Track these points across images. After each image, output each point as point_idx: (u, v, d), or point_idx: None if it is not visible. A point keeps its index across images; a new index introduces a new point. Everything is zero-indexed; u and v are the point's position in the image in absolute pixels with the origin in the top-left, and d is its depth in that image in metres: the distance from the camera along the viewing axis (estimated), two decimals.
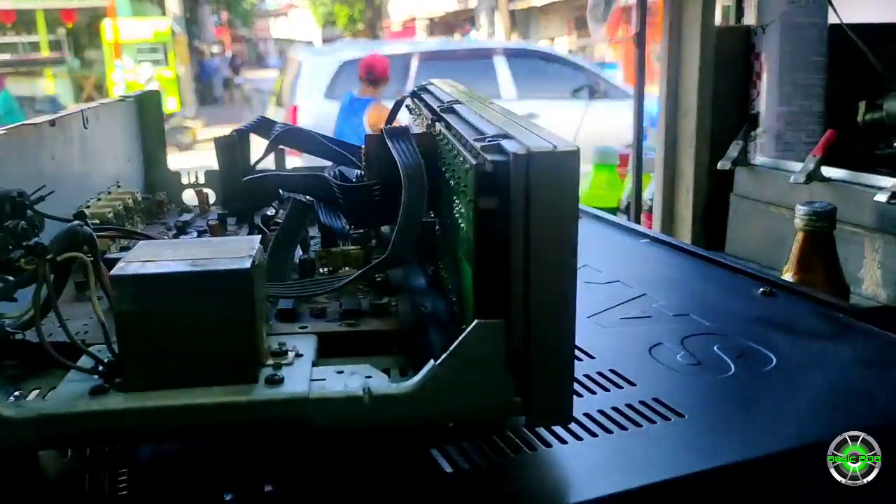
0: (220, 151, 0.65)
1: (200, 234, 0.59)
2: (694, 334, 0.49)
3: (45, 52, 12.52)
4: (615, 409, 0.40)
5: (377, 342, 0.44)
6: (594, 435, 0.38)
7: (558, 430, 0.38)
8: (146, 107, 0.72)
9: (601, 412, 0.40)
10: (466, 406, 0.36)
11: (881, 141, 1.00)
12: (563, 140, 0.34)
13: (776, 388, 0.43)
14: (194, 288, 0.34)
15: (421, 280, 0.51)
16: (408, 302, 0.47)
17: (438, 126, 0.50)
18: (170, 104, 10.43)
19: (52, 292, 0.37)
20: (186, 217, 0.66)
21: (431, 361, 0.36)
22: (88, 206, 0.56)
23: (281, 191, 0.58)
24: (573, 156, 0.33)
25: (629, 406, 0.41)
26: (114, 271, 0.34)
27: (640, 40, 1.14)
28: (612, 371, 0.45)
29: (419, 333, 0.45)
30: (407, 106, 0.72)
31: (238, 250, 0.37)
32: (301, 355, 0.39)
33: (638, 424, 0.39)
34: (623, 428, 0.39)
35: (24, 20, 12.41)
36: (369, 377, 0.37)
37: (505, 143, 0.35)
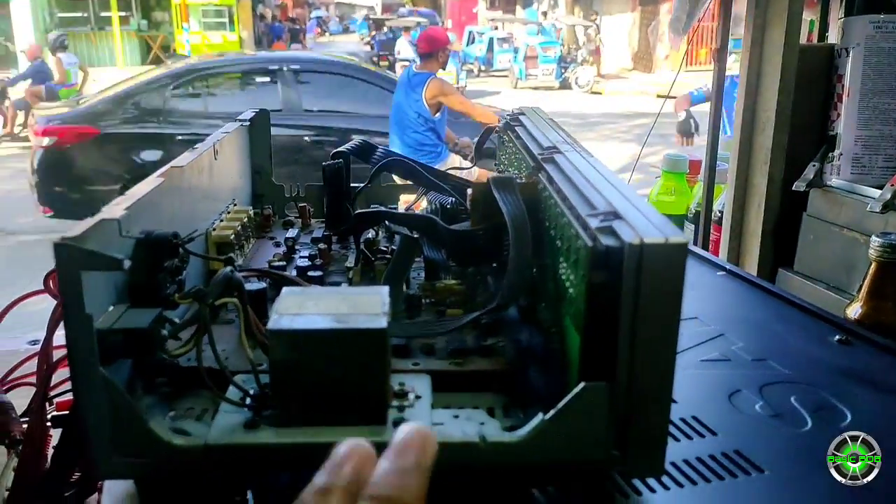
0: (328, 178, 0.70)
1: (311, 258, 0.64)
2: (772, 382, 0.53)
3: (114, 12, 12.81)
4: (699, 459, 0.44)
5: (482, 380, 0.49)
6: (680, 486, 0.42)
7: (650, 479, 0.43)
8: (257, 124, 0.77)
9: (686, 462, 0.44)
10: (569, 457, 0.41)
11: None
12: (674, 228, 0.38)
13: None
14: (338, 342, 0.39)
15: (520, 318, 0.55)
16: (510, 341, 0.52)
17: (541, 176, 0.54)
18: None
19: (211, 334, 0.42)
20: (292, 233, 0.71)
21: (540, 415, 0.40)
22: (214, 229, 0.62)
23: (386, 221, 0.63)
24: (682, 248, 0.37)
25: (712, 457, 0.45)
26: (270, 325, 0.39)
27: (720, 55, 1.15)
28: (695, 418, 0.49)
29: (521, 374, 0.49)
30: (498, 134, 0.76)
31: (372, 306, 0.42)
32: (419, 397, 0.44)
33: (721, 477, 0.43)
34: (707, 480, 0.43)
35: None
36: (483, 423, 0.42)
37: (618, 227, 0.39)
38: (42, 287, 0.63)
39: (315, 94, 4.27)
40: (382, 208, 0.62)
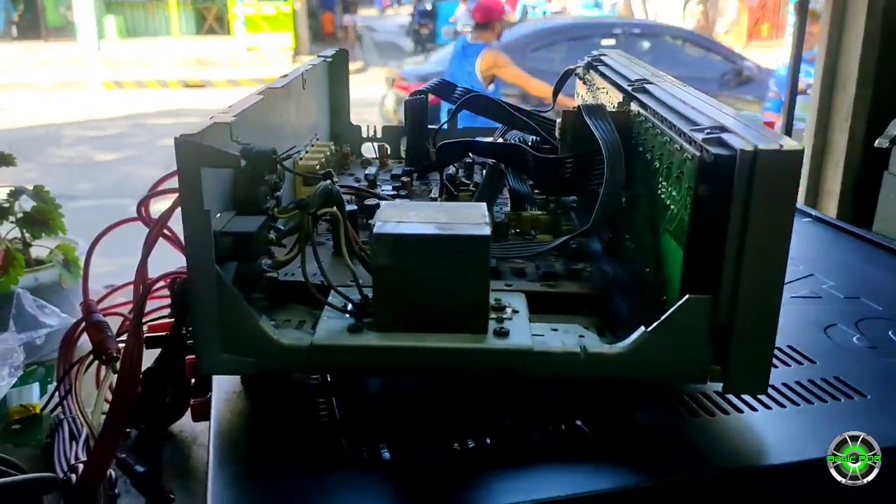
0: (410, 112, 0.70)
1: (395, 188, 0.65)
2: (867, 318, 0.52)
3: None
4: (798, 383, 0.44)
5: (571, 303, 0.49)
6: (782, 406, 0.42)
7: (747, 398, 0.42)
8: (336, 64, 0.78)
9: (786, 385, 0.44)
10: (669, 370, 0.40)
11: None
12: (785, 137, 0.37)
13: None
14: (442, 248, 0.40)
15: (605, 247, 0.55)
16: (596, 267, 0.52)
17: (633, 105, 0.53)
18: (286, 40, 10.68)
19: (314, 241, 0.43)
20: (371, 170, 0.72)
21: (642, 328, 0.40)
22: (301, 158, 0.63)
23: (470, 154, 0.63)
24: (798, 155, 0.36)
25: (811, 382, 0.44)
26: (375, 230, 0.40)
27: (802, 7, 1.12)
28: (791, 347, 0.48)
29: (609, 298, 0.49)
30: (578, 76, 0.75)
31: (473, 216, 0.42)
32: (517, 311, 0.44)
33: (823, 400, 0.42)
34: (809, 402, 0.42)
35: None
36: (582, 336, 0.42)
37: (727, 138, 0.38)
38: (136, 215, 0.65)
39: (651, 57, 4.49)
40: (467, 139, 0.62)
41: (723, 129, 0.40)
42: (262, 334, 0.40)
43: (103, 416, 0.65)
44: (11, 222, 0.82)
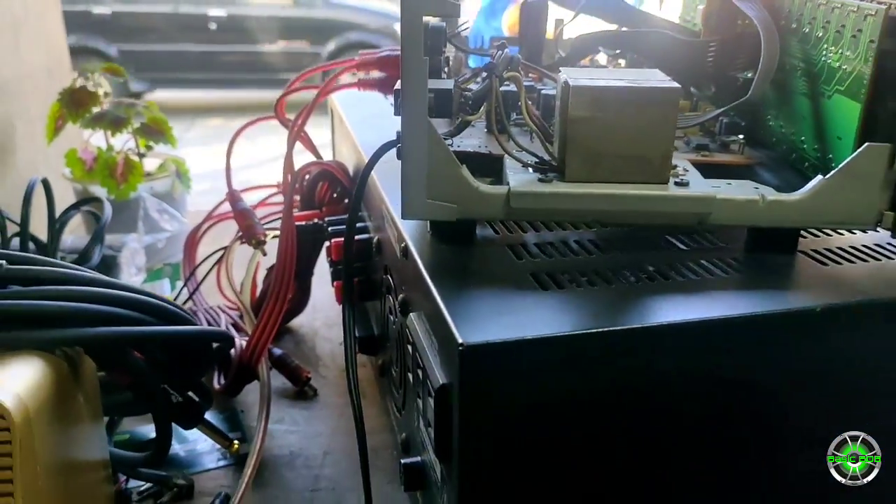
0: (529, 12, 0.72)
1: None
2: None
3: None
4: None
5: (724, 173, 0.51)
6: None
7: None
8: None
9: None
10: (845, 215, 0.43)
11: None
12: None
13: None
14: (636, 100, 0.42)
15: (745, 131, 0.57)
16: (750, 140, 0.54)
17: None
18: None
19: (499, 100, 0.46)
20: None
21: (819, 176, 0.43)
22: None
23: (600, 48, 0.65)
24: None
25: None
26: (572, 83, 0.43)
27: None
28: None
29: (762, 168, 0.52)
30: None
31: (657, 76, 0.45)
32: (687, 170, 0.47)
33: None
34: None
35: None
36: (757, 188, 0.45)
37: None
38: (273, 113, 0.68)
39: None
40: (605, 31, 0.64)
41: None
42: (465, 181, 0.43)
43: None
44: (129, 132, 0.86)
